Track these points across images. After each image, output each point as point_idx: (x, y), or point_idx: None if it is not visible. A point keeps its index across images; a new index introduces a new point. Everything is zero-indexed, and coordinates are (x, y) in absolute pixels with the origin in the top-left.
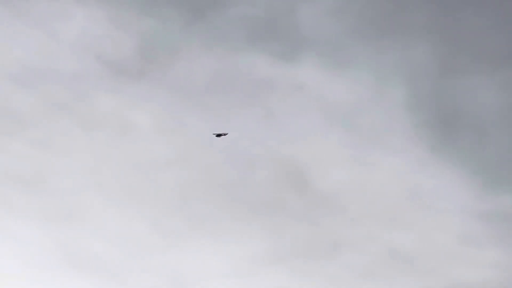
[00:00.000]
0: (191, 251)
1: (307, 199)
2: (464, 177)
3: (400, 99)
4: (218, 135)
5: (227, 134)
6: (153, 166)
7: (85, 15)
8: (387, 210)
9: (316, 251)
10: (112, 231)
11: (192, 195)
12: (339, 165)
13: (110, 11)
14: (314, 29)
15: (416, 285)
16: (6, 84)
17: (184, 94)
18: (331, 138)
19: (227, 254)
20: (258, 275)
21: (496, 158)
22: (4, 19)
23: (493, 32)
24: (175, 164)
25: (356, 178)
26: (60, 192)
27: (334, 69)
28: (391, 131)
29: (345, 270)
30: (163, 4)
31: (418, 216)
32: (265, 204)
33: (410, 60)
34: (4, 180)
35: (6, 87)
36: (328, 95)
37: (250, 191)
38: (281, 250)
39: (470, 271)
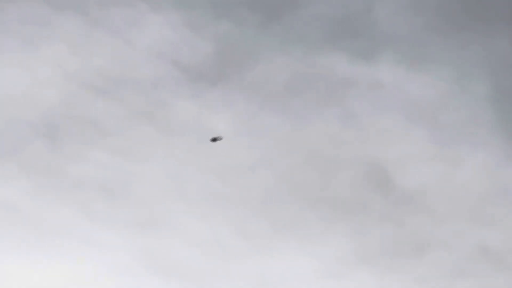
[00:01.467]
0: (276, 254)
1: (391, 198)
2: None
3: (483, 93)
4: (214, 140)
5: (222, 138)
6: (235, 170)
7: (161, 21)
8: (474, 206)
9: (403, 250)
10: (196, 236)
11: (275, 198)
12: (423, 163)
13: (185, 16)
14: (392, 26)
15: (507, 283)
16: (86, 93)
17: (263, 96)
18: (413, 136)
19: (312, 256)
20: (344, 276)
21: None
22: (82, 29)
23: None
24: (257, 167)
25: (441, 175)
26: (143, 199)
27: (414, 66)
28: (475, 126)
29: (433, 268)
30: (238, 6)
31: (507, 212)
32: (349, 204)
33: (493, 53)
34: (87, 189)
35: (87, 96)
36: (408, 92)
37: (333, 192)
38: (367, 250)
39: None
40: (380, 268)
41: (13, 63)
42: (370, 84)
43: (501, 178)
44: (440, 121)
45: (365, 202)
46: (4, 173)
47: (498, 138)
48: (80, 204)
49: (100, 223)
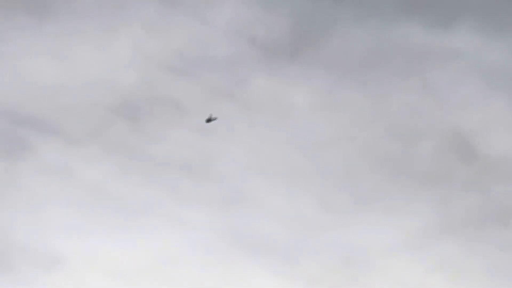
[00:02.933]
0: (360, 226)
1: (475, 167)
2: None
3: None
4: (208, 120)
5: (216, 118)
6: (315, 145)
7: (236, 0)
8: None
9: (488, 220)
10: (279, 212)
11: (356, 171)
12: (505, 130)
13: None
14: None
15: None
16: (165, 74)
17: (340, 71)
18: (494, 104)
19: (396, 228)
20: (429, 247)
21: None
22: (159, 11)
23: None
24: (337, 142)
25: None
26: (226, 177)
27: (493, 33)
28: None
29: None
30: None
31: None
32: (431, 175)
33: None
34: (170, 168)
35: (166, 77)
36: (487, 60)
37: (415, 163)
38: (451, 221)
39: None
40: (465, 238)
41: (92, 47)
42: (448, 53)
43: None
44: None
45: (448, 172)
46: (88, 155)
47: None
48: (163, 184)
49: (184, 201)
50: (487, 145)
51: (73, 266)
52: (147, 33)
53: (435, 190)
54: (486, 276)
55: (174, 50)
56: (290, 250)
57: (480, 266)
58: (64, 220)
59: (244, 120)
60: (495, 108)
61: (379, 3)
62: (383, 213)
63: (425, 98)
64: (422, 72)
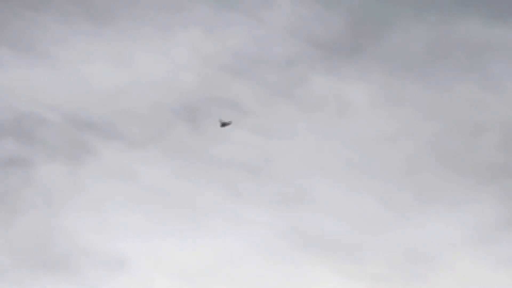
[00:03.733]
0: (424, 222)
1: None
2: None
3: None
4: (223, 125)
5: (231, 122)
6: (377, 141)
7: None
8: None
9: None
10: (342, 210)
11: (419, 167)
12: None
13: None
14: None
15: None
16: (224, 74)
17: (400, 66)
18: None
19: (461, 223)
20: (495, 242)
21: None
22: (216, 12)
23: None
24: (399, 137)
25: None
26: (287, 176)
27: None
28: None
29: None
30: None
31: None
32: (495, 168)
33: None
34: (231, 168)
35: (225, 77)
36: None
37: (478, 157)
38: None
39: None
40: None
41: (151, 50)
42: (509, 46)
43: None
44: None
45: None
46: (149, 158)
47: None
48: (225, 184)
49: (246, 201)
50: None
51: (137, 267)
52: (205, 34)
53: (499, 184)
54: None
55: (232, 50)
56: (353, 248)
57: None
58: (128, 222)
59: (303, 119)
60: None
61: None
62: (447, 208)
63: (487, 91)
64: (483, 66)
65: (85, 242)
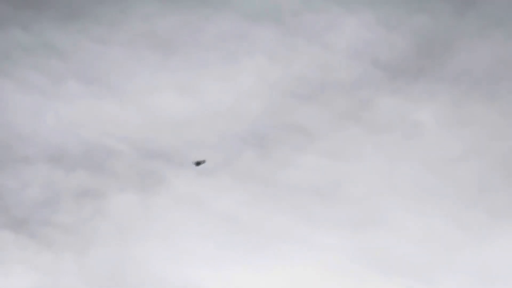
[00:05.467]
0: (497, 243)
1: None
2: None
3: None
4: (197, 164)
5: (205, 161)
6: (446, 162)
7: (356, 22)
8: None
9: None
10: (413, 232)
11: (490, 186)
12: None
13: (379, 13)
14: None
15: None
16: (289, 100)
17: (467, 85)
18: None
19: None
20: None
21: None
22: (280, 38)
23: None
24: (468, 156)
25: None
26: (356, 199)
27: None
28: None
29: None
30: None
31: None
32: None
33: None
34: (301, 193)
35: (290, 103)
36: None
37: None
38: None
39: None
40: None
41: (217, 78)
42: None
43: None
44: None
45: None
46: (219, 185)
47: None
48: (295, 209)
49: (316, 225)
50: None
51: None
52: (269, 60)
53: None
54: None
55: (297, 76)
56: (426, 270)
57: None
58: (199, 251)
59: (371, 141)
60: None
61: (502, 13)
62: None
63: None
64: None
65: (158, 271)
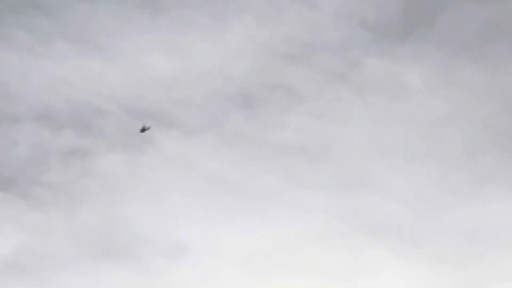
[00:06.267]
0: (482, 204)
1: None
2: None
3: None
4: (142, 130)
5: (150, 127)
6: (432, 123)
7: None
8: None
9: None
10: (400, 192)
11: (476, 147)
12: None
13: None
14: None
15: None
16: (278, 61)
17: (455, 46)
18: None
19: None
20: None
21: None
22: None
23: None
24: (455, 118)
25: None
26: (344, 160)
27: None
28: None
29: None
30: None
31: None
32: None
33: None
34: (288, 154)
35: (278, 64)
36: None
37: None
38: None
39: None
40: None
41: (205, 39)
42: None
43: None
44: None
45: None
46: (207, 146)
47: None
48: (283, 169)
49: (304, 186)
50: None
51: (197, 254)
52: (258, 21)
53: None
54: None
55: (286, 36)
56: (412, 230)
57: None
58: (187, 210)
59: (359, 102)
60: None
61: None
62: (505, 188)
63: None
64: None
65: (146, 230)
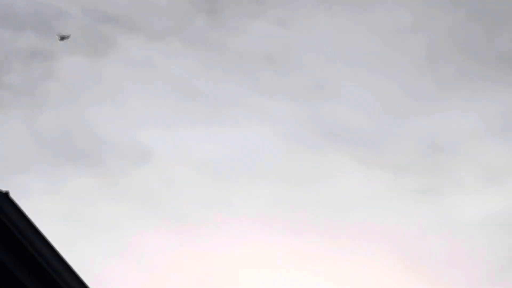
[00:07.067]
0: (443, 112)
1: None
2: None
3: None
4: (62, 38)
5: (70, 35)
6: (396, 31)
7: None
8: None
9: None
10: (361, 100)
11: (439, 57)
12: None
13: None
14: None
15: None
16: None
17: None
18: None
19: (481, 113)
20: None
21: None
22: None
23: None
24: (419, 26)
25: None
26: (307, 66)
27: None
28: None
29: None
30: None
31: None
32: None
33: None
34: (252, 60)
35: None
36: None
37: (499, 47)
38: None
39: None
40: None
41: None
42: None
43: None
44: None
45: None
46: (169, 50)
47: None
48: (245, 76)
49: (266, 92)
50: None
51: (159, 159)
52: None
53: None
54: None
55: None
56: (374, 138)
57: None
58: (150, 114)
59: (323, 9)
60: None
61: None
62: (467, 98)
63: None
64: None
65: (109, 134)
